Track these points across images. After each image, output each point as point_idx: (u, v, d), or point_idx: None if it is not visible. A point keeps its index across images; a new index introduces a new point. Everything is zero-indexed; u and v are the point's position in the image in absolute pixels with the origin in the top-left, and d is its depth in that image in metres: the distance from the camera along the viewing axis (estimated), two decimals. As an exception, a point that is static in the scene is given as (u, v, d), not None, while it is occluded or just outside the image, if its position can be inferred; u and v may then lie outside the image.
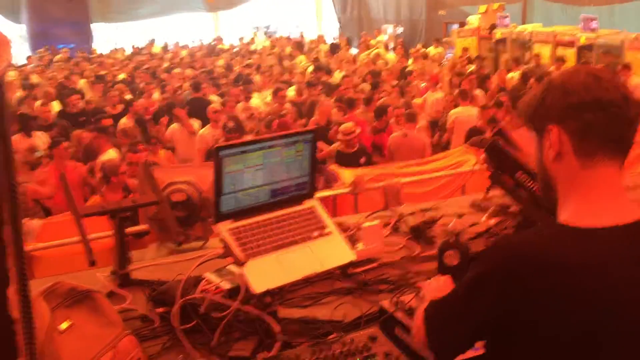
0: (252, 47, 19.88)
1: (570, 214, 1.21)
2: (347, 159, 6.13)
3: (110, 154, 6.26)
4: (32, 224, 4.57)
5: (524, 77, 10.10)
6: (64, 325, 1.44)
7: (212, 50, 19.37)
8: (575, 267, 1.11)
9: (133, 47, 20.33)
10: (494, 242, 1.23)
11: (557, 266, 1.11)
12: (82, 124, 8.81)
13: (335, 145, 6.64)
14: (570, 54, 12.69)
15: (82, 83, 12.68)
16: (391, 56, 15.84)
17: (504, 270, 1.16)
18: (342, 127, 6.53)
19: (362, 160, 6.18)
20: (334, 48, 17.63)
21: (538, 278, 1.11)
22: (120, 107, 9.53)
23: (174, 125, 7.99)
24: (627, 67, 9.83)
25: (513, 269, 1.14)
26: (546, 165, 1.28)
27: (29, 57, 18.11)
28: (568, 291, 1.10)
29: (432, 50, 16.12)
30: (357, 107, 8.35)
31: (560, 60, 11.70)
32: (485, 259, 1.24)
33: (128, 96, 10.70)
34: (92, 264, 1.88)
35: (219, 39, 21.93)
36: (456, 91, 9.00)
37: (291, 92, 9.85)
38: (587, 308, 1.11)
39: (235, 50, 19.54)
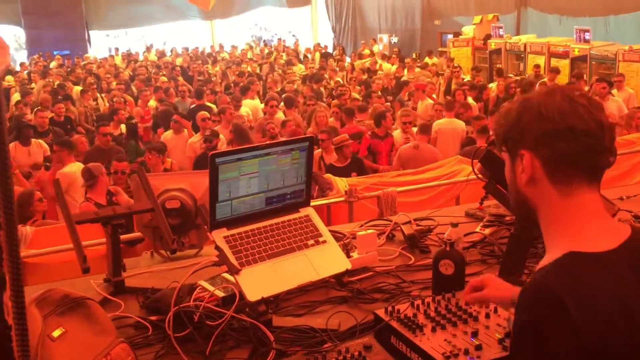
0: (249, 56, 19.96)
1: (568, 241, 1.19)
2: (338, 173, 6.11)
3: (73, 167, 6.16)
4: (24, 231, 4.55)
5: (507, 89, 10.23)
6: (56, 333, 1.43)
7: (209, 58, 19.43)
8: (596, 295, 1.10)
9: (129, 53, 20.37)
10: (526, 301, 1.16)
11: (589, 297, 1.09)
12: (69, 131, 8.83)
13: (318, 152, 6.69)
14: (564, 65, 12.79)
15: (76, 90, 12.67)
16: (387, 65, 15.91)
17: (555, 320, 1.08)
18: (335, 139, 6.56)
19: (354, 174, 6.17)
20: (327, 56, 17.70)
21: (578, 313, 1.07)
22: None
23: (168, 133, 7.97)
24: (620, 77, 9.90)
25: (560, 313, 1.08)
26: (520, 187, 1.27)
27: (22, 64, 18.10)
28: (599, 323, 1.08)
29: (427, 60, 16.23)
30: (356, 117, 8.42)
31: (555, 71, 11.76)
32: (529, 323, 1.12)
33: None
34: (86, 271, 1.86)
35: (221, 47, 22.01)
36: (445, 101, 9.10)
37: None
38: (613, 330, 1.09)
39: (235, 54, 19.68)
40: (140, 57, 19.54)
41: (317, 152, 6.72)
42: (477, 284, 1.67)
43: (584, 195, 1.20)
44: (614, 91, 9.45)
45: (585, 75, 12.14)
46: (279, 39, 24.11)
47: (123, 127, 8.89)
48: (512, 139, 1.25)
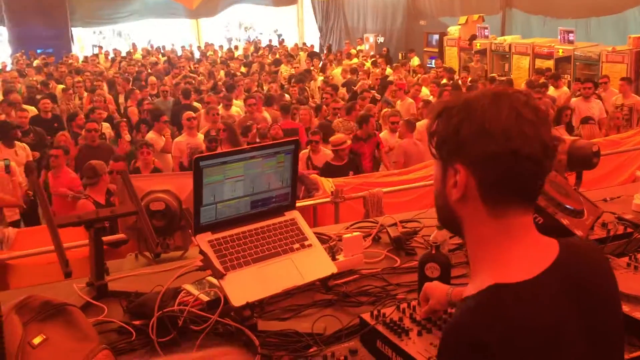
0: (236, 55, 19.88)
1: (493, 268, 1.13)
2: (336, 171, 6.19)
3: None
4: (7, 232, 4.50)
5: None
6: (37, 340, 1.40)
7: (200, 56, 19.37)
8: (521, 329, 1.04)
9: (114, 51, 20.22)
10: (445, 341, 1.10)
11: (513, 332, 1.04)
12: (55, 130, 8.73)
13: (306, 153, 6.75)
14: (548, 66, 12.89)
15: (59, 89, 12.54)
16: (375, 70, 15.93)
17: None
18: (333, 138, 6.62)
19: (351, 173, 6.25)
20: (313, 56, 17.69)
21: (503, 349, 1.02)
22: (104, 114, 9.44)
23: (151, 134, 7.89)
24: (605, 78, 10.00)
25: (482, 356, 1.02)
26: (449, 200, 1.18)
27: (2, 62, 17.90)
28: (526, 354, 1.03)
29: (413, 62, 16.30)
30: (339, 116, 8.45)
31: (540, 72, 11.83)
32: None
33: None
34: (68, 275, 1.84)
35: (209, 46, 21.91)
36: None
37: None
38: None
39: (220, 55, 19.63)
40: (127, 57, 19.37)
41: (305, 152, 6.74)
42: (423, 296, 1.69)
43: (515, 219, 1.13)
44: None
45: (569, 76, 12.26)
46: (257, 40, 24.01)
47: (105, 125, 8.78)
48: (447, 148, 1.14)
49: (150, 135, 7.83)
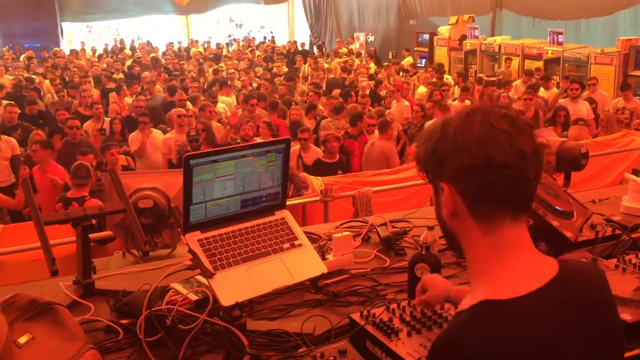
0: (225, 52, 19.81)
1: (487, 284, 1.13)
2: (326, 168, 6.15)
3: None
4: (-7, 228, 4.45)
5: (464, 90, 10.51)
6: (23, 339, 1.38)
7: (186, 53, 19.26)
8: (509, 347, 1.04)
9: (105, 46, 20.09)
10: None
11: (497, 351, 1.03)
12: (41, 126, 8.66)
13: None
14: (538, 66, 12.95)
15: (47, 84, 12.43)
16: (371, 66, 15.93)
17: None
18: (325, 133, 6.59)
19: (340, 172, 6.23)
20: (304, 54, 17.68)
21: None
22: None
23: (134, 134, 7.64)
24: (593, 80, 10.07)
25: None
26: (445, 220, 1.20)
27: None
28: None
29: (406, 61, 16.33)
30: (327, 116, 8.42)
31: (529, 73, 11.86)
32: None
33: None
34: (54, 274, 1.81)
35: (194, 43, 21.79)
36: (428, 102, 9.12)
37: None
38: None
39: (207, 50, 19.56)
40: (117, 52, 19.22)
41: (295, 148, 6.70)
42: (420, 287, 1.71)
43: (508, 232, 1.13)
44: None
45: (558, 78, 12.33)
46: (250, 38, 23.91)
47: (107, 120, 8.71)
48: (431, 169, 1.18)
49: (133, 135, 7.59)
